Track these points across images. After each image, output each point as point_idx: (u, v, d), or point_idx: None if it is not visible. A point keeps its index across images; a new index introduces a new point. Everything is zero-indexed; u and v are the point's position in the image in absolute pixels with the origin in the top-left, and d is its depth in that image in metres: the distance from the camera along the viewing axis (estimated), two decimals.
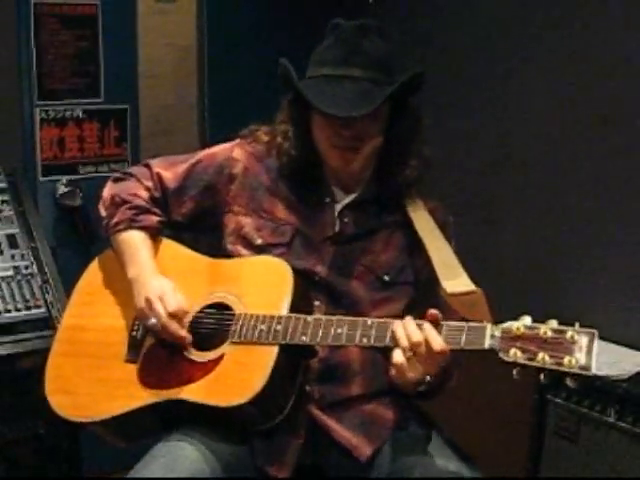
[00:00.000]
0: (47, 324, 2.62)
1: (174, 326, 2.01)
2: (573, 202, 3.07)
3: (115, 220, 2.19)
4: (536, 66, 3.15)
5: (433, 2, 3.55)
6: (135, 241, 2.17)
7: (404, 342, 1.81)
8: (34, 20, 3.11)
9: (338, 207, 2.14)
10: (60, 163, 3.25)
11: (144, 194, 2.21)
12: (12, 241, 2.80)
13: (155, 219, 2.20)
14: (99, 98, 3.28)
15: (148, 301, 2.04)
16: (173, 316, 2.02)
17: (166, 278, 2.11)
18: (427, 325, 1.81)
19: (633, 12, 2.85)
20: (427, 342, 1.79)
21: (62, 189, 3.22)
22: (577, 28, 3.01)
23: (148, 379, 2.04)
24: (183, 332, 2.02)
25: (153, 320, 2.03)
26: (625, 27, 2.88)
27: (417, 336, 1.80)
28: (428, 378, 1.88)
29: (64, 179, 3.24)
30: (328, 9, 3.05)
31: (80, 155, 3.29)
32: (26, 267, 2.75)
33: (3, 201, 2.90)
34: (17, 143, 3.19)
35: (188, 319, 2.06)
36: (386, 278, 2.10)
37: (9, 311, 2.62)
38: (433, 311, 1.83)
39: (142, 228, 2.18)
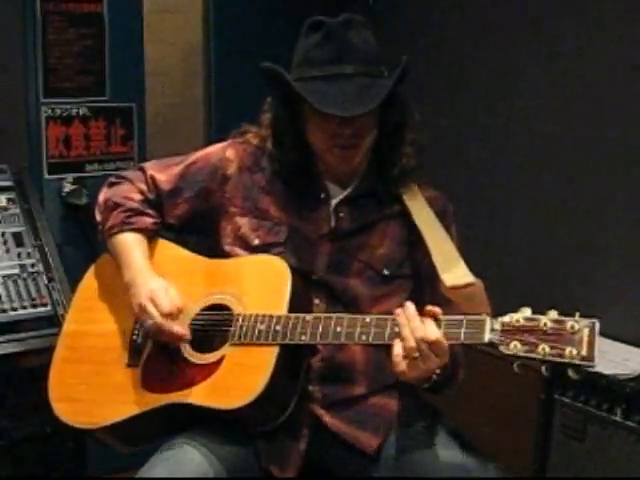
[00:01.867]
0: (53, 322, 2.63)
1: (168, 325, 1.99)
2: (576, 197, 3.07)
3: (109, 224, 2.18)
4: (541, 61, 3.15)
5: (433, 1, 3.54)
6: (128, 243, 2.15)
7: (407, 331, 1.80)
8: (40, 18, 3.12)
9: (333, 202, 2.12)
10: (66, 161, 3.25)
11: (137, 196, 2.20)
12: (18, 239, 2.81)
13: (149, 220, 2.19)
14: (105, 96, 3.29)
15: (140, 306, 2.02)
16: (167, 316, 2.00)
17: (159, 278, 2.09)
18: (427, 320, 1.79)
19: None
20: (427, 337, 1.77)
21: (68, 187, 3.23)
22: (577, 25, 3.01)
23: (150, 384, 2.03)
24: (179, 329, 2.00)
25: (149, 322, 2.01)
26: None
27: (421, 331, 1.78)
28: (434, 377, 1.88)
29: (70, 177, 3.25)
30: (330, 8, 3.05)
31: (86, 153, 3.29)
32: (32, 265, 2.75)
33: (9, 199, 2.90)
34: (23, 141, 3.20)
35: (188, 317, 2.06)
36: (386, 272, 2.08)
37: (15, 309, 2.63)
38: (432, 307, 1.82)
39: (136, 230, 2.16)
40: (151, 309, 2.00)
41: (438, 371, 1.85)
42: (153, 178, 2.22)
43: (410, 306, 1.83)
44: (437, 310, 1.82)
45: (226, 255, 2.14)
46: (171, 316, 2.00)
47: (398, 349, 1.81)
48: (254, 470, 2.00)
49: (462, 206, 2.23)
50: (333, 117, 1.96)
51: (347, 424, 2.03)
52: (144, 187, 2.21)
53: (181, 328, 2.01)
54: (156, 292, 2.02)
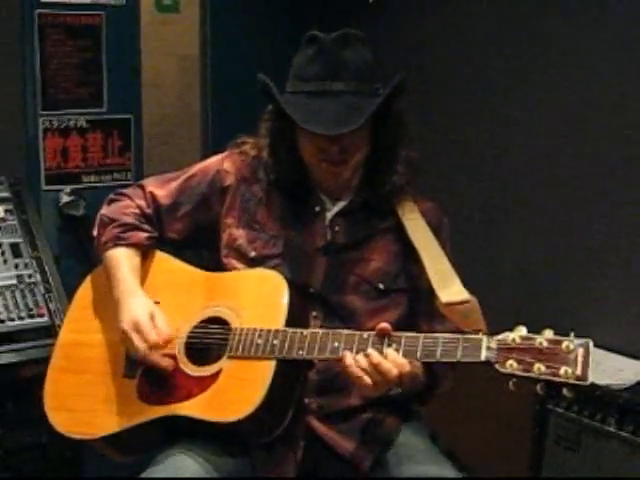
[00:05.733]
0: (50, 333, 2.63)
1: (153, 357, 1.99)
2: (571, 212, 3.08)
3: (103, 239, 2.18)
4: (538, 72, 3.15)
5: (434, 2, 3.55)
6: (119, 259, 2.14)
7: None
8: (38, 30, 3.12)
9: (329, 216, 2.13)
10: (63, 172, 3.26)
11: (134, 211, 2.20)
12: (16, 250, 2.81)
13: (143, 235, 2.18)
14: (102, 108, 3.29)
15: (124, 334, 2.01)
16: (153, 347, 1.99)
17: (145, 299, 2.08)
18: (372, 352, 1.82)
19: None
20: (377, 368, 1.80)
21: (65, 198, 3.23)
22: (577, 35, 3.02)
23: (146, 395, 2.03)
24: (164, 361, 2.00)
25: (133, 352, 2.01)
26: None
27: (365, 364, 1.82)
28: (399, 390, 1.91)
29: (67, 188, 3.25)
30: (330, 14, 3.07)
31: (83, 164, 3.30)
32: (29, 276, 2.76)
33: (7, 210, 2.91)
34: (21, 152, 3.21)
35: (182, 335, 2.05)
36: (381, 286, 2.09)
37: (12, 319, 2.63)
38: (383, 325, 1.85)
39: (129, 245, 2.16)
40: (135, 340, 1.99)
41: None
42: (152, 194, 2.23)
43: (373, 355, 1.83)
44: (388, 327, 1.84)
45: (223, 267, 2.15)
46: (157, 347, 2.00)
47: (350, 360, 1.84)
48: None
49: (455, 223, 2.23)
50: (319, 134, 1.97)
51: (343, 437, 2.04)
52: (143, 203, 2.22)
53: (166, 360, 2.00)
54: (141, 322, 2.00)
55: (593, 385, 2.58)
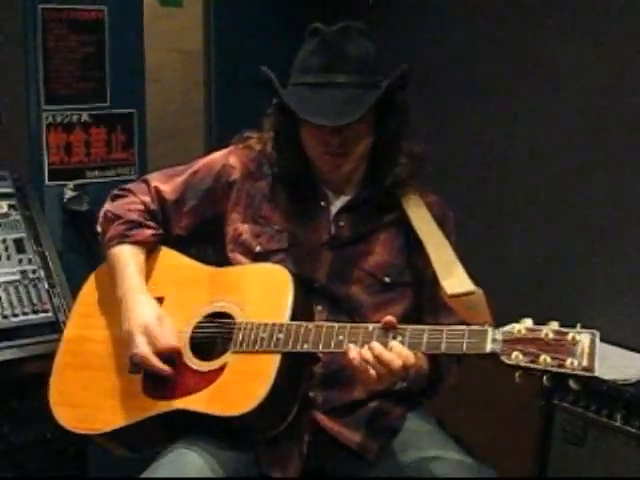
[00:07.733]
0: (54, 328, 2.62)
1: (154, 362, 1.99)
2: (576, 205, 3.08)
3: (108, 236, 2.18)
4: (542, 66, 3.15)
5: (434, 2, 3.54)
6: (124, 257, 2.14)
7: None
8: (41, 25, 3.11)
9: (333, 210, 2.13)
10: (67, 168, 3.24)
11: (139, 207, 2.20)
12: (19, 245, 2.80)
13: (148, 232, 2.18)
14: (106, 103, 3.28)
15: (129, 333, 2.01)
16: (160, 352, 2.00)
17: (151, 301, 2.08)
18: (376, 344, 1.81)
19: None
20: (380, 359, 1.80)
21: (69, 194, 3.22)
22: (582, 32, 3.02)
23: (151, 390, 2.04)
24: (163, 368, 2.00)
25: (134, 351, 2.00)
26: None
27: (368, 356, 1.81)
28: (404, 384, 1.92)
29: (71, 184, 3.24)
30: (330, 11, 3.05)
31: (87, 160, 3.28)
32: (33, 271, 2.75)
33: (10, 206, 2.90)
34: (24, 148, 3.20)
35: (187, 330, 2.05)
36: (387, 280, 2.09)
37: (16, 315, 2.62)
38: (389, 318, 1.84)
39: (134, 243, 2.16)
40: (142, 343, 2.00)
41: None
42: (157, 189, 2.22)
43: (376, 347, 1.82)
44: (393, 320, 1.83)
45: (228, 261, 2.15)
46: (163, 353, 2.00)
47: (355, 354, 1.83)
48: (255, 476, 2.00)
49: (461, 215, 2.23)
50: (320, 125, 1.97)
51: (348, 430, 2.04)
52: (147, 199, 2.22)
53: (165, 368, 2.00)
54: (150, 325, 2.01)
55: (599, 380, 2.60)
